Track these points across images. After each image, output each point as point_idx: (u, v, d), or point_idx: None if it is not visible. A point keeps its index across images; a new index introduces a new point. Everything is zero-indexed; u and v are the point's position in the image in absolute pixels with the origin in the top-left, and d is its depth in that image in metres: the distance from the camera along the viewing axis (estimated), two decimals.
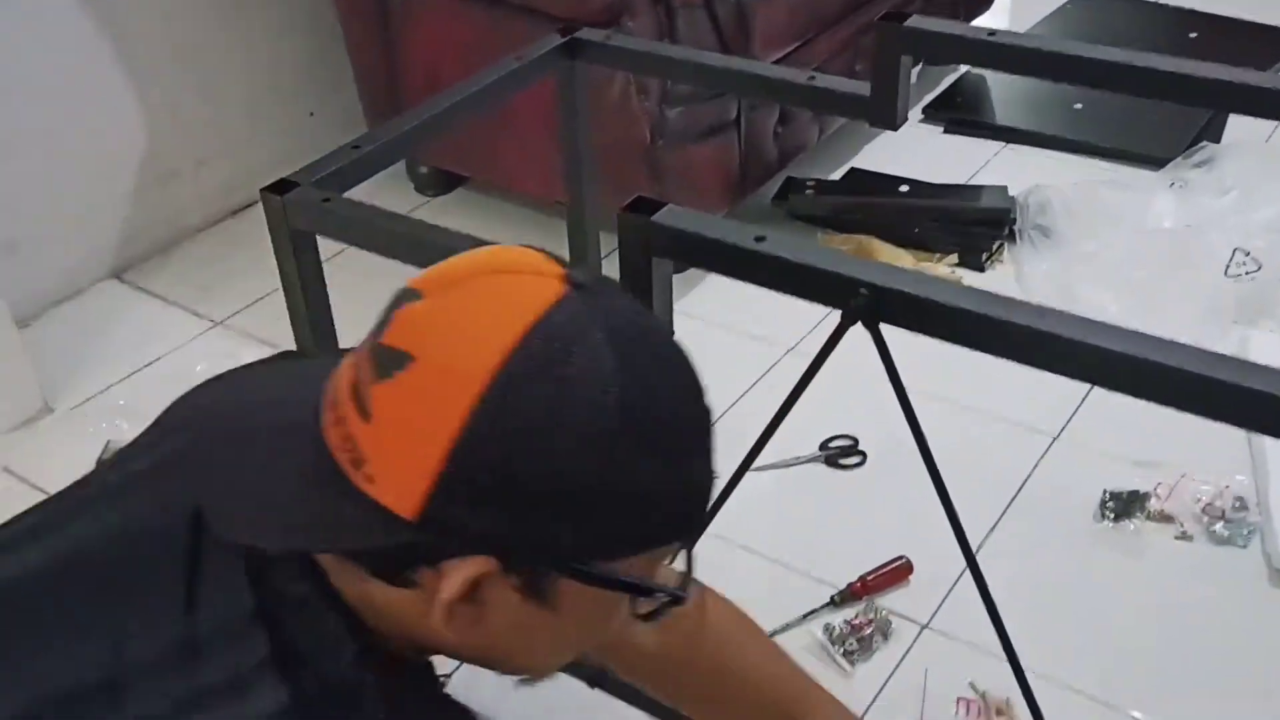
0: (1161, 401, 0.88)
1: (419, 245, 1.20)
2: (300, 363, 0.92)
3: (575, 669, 1.31)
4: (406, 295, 0.71)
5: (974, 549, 1.08)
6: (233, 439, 0.79)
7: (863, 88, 1.40)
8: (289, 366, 0.93)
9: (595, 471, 0.67)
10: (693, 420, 0.73)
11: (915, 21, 1.37)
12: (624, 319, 0.70)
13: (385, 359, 0.68)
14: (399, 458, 0.67)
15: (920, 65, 2.81)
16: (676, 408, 0.71)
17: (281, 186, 1.29)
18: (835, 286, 0.97)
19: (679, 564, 0.78)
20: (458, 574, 0.69)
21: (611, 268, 1.16)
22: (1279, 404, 0.82)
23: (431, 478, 0.66)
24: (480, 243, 1.29)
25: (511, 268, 0.71)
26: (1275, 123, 2.45)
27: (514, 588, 0.70)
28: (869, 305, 0.95)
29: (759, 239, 1.00)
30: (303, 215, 1.28)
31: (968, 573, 1.63)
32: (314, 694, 0.71)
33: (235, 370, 0.93)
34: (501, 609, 0.71)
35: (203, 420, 0.83)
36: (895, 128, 1.38)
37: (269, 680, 0.71)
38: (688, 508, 0.73)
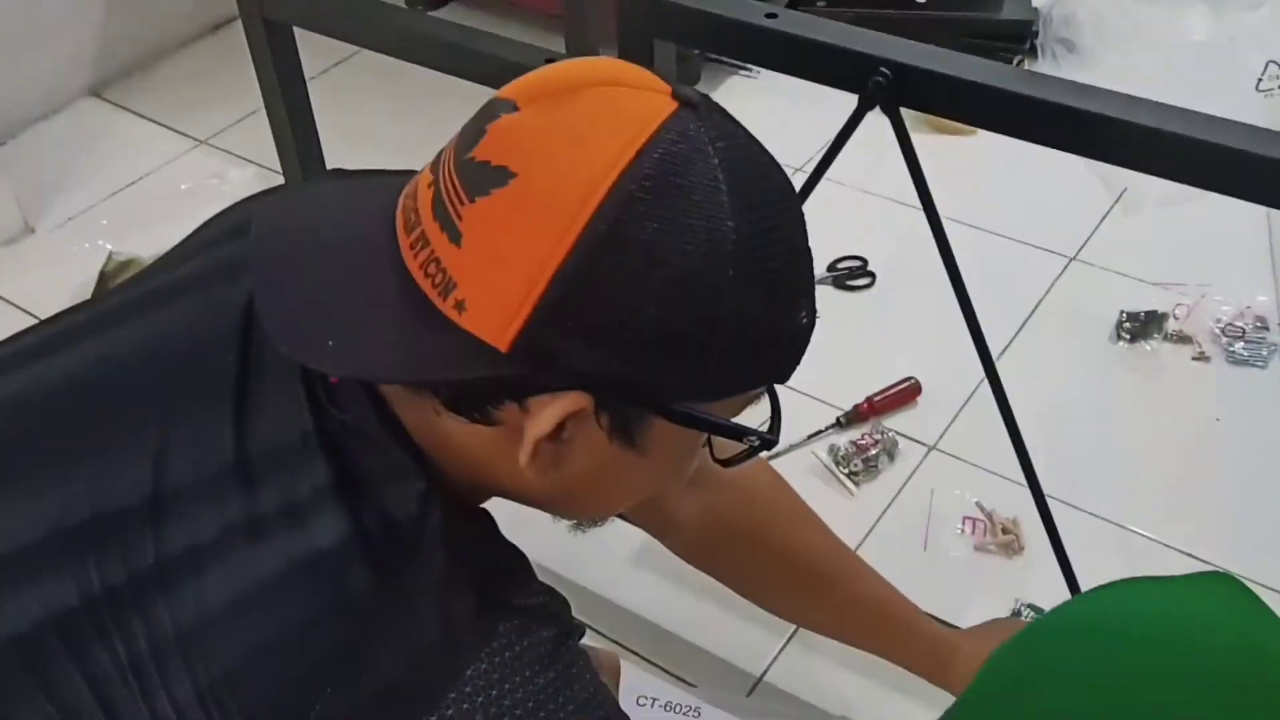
0: (1197, 182, 0.81)
1: (404, 36, 1.12)
2: (356, 179, 0.84)
3: None
4: (499, 106, 0.63)
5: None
6: (296, 250, 0.70)
7: None
8: (344, 183, 0.84)
9: (705, 306, 0.62)
10: (801, 258, 0.67)
11: None
12: (736, 142, 0.64)
13: (480, 175, 0.61)
14: (496, 283, 0.61)
15: None
16: (788, 243, 0.65)
17: None
18: (852, 67, 0.89)
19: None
20: (549, 411, 0.63)
21: None
22: None
23: (532, 306, 0.60)
24: (471, 35, 1.20)
25: (619, 80, 0.63)
26: None
27: (603, 427, 0.65)
28: (889, 87, 0.87)
29: (770, 15, 0.92)
30: (279, 2, 1.19)
31: (976, 395, 1.60)
32: (375, 528, 0.65)
33: (283, 186, 0.85)
34: (586, 449, 0.66)
35: (259, 229, 0.73)
36: None
37: (328, 510, 0.65)
38: (788, 351, 0.68)
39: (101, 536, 0.66)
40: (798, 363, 0.69)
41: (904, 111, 0.89)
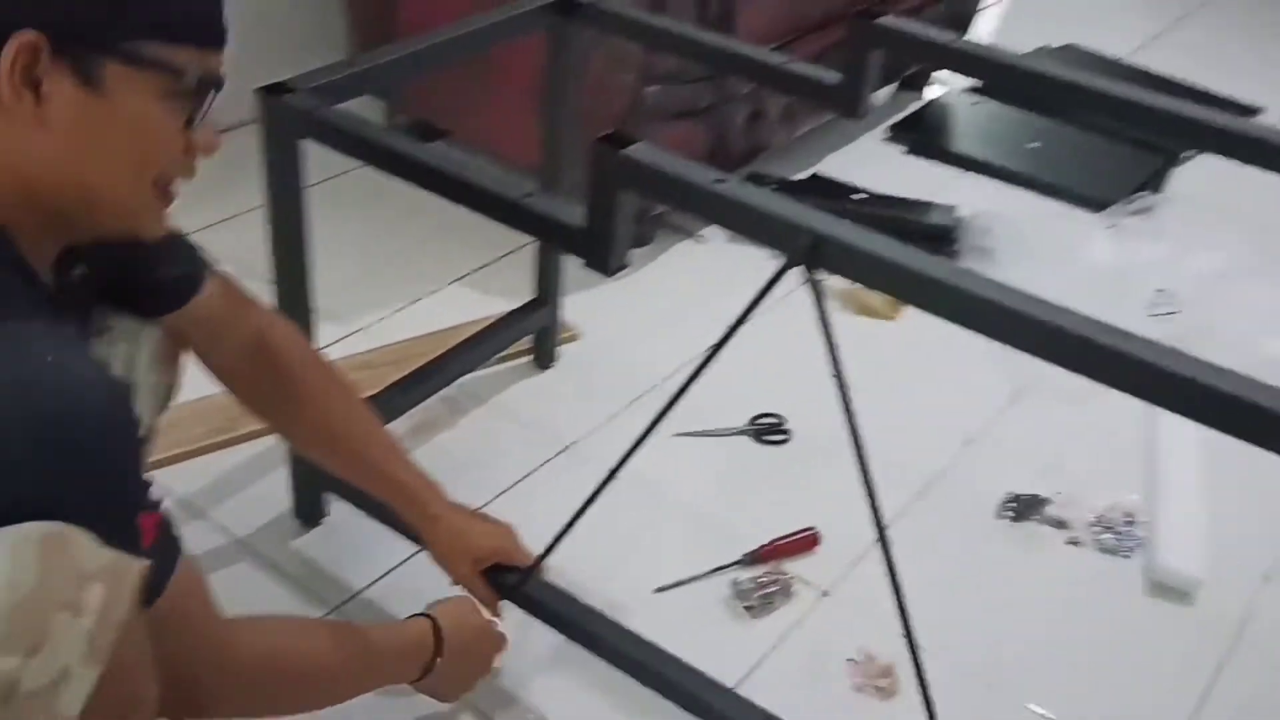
0: (1076, 368, 0.96)
1: (414, 165, 1.26)
2: None
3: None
4: None
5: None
6: None
7: (832, 76, 1.51)
8: None
9: None
10: None
11: (886, 21, 1.48)
12: None
13: None
14: None
15: (893, 83, 2.90)
16: None
17: (275, 89, 1.35)
18: (782, 230, 1.06)
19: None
20: (8, 47, 0.80)
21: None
22: (1183, 384, 0.92)
23: None
24: (464, 167, 1.36)
25: None
26: (1214, 180, 2.58)
27: (67, 73, 0.82)
28: (811, 250, 1.04)
29: (719, 181, 1.09)
30: (299, 120, 1.34)
31: (870, 551, 1.74)
32: None
33: None
34: (62, 101, 0.83)
35: None
36: (859, 116, 1.48)
37: None
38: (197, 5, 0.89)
39: None
40: (212, 28, 0.90)
41: (834, 290, 1.05)
